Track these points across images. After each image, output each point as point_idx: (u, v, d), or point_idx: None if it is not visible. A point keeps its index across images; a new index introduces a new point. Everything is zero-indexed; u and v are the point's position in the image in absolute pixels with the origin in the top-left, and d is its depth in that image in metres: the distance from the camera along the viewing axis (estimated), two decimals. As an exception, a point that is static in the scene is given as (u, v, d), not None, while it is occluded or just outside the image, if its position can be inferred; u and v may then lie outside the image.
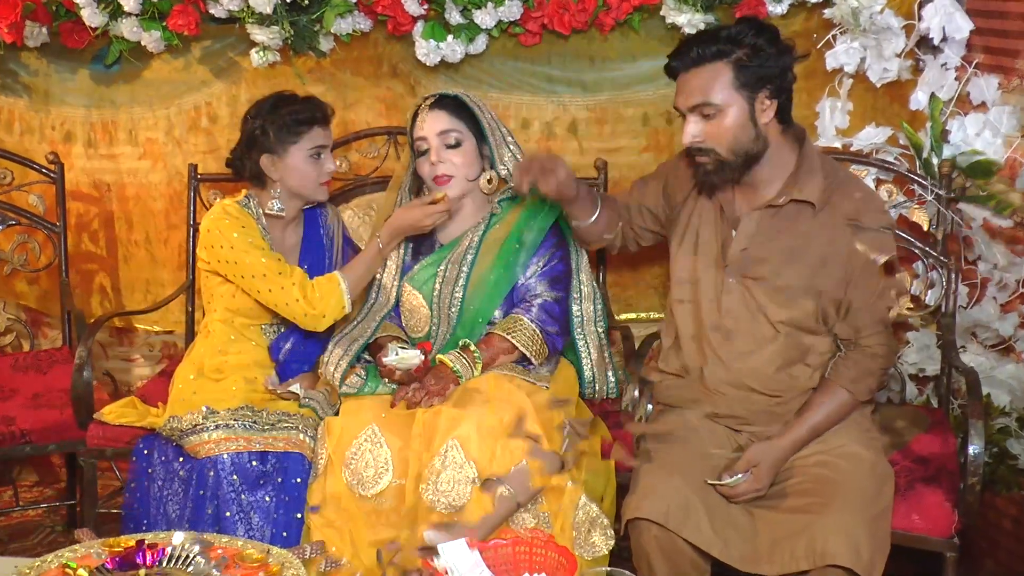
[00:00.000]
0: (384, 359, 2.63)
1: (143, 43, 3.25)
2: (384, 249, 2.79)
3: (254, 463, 2.58)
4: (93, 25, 3.21)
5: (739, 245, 2.44)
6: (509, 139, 2.83)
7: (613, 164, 3.13)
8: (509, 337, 2.66)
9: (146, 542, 2.03)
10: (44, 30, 3.32)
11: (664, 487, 2.27)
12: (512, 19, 3.04)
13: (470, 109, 2.76)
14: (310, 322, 2.73)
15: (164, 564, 2.00)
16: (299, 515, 2.58)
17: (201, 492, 2.58)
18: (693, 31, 2.90)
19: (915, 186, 2.85)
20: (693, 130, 2.38)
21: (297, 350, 2.85)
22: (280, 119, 2.76)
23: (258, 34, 3.13)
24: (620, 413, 2.58)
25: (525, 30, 3.08)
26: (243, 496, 2.57)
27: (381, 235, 2.78)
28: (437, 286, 2.77)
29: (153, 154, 3.48)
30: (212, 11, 3.16)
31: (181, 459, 2.65)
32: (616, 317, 3.13)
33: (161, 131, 3.45)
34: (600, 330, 2.84)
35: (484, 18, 3.02)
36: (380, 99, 3.30)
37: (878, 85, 2.87)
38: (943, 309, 2.81)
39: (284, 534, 2.56)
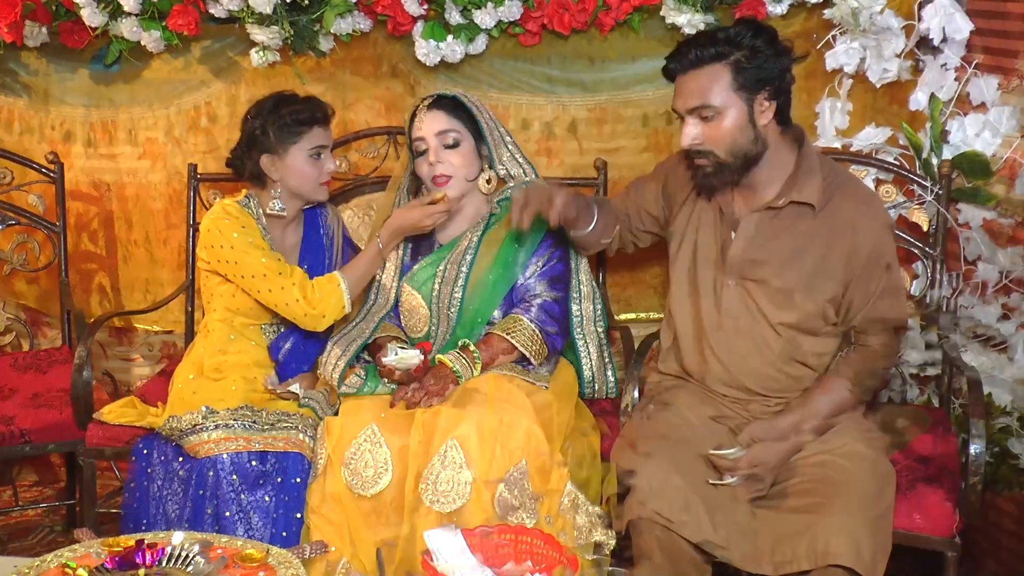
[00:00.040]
0: (383, 359, 2.63)
1: (143, 43, 3.25)
2: (384, 249, 2.79)
3: (254, 463, 2.58)
4: (93, 25, 3.20)
5: (738, 247, 2.44)
6: (507, 139, 2.83)
7: (613, 164, 3.13)
8: (508, 337, 2.66)
9: (145, 542, 2.03)
10: (44, 30, 3.31)
11: (665, 487, 2.27)
12: (512, 19, 3.04)
13: (468, 109, 2.76)
14: (310, 322, 2.73)
15: (163, 564, 2.00)
16: (299, 515, 2.58)
17: (201, 492, 2.58)
18: (693, 31, 2.90)
19: (915, 186, 2.85)
20: (692, 132, 2.37)
21: (297, 350, 2.85)
22: (280, 119, 2.76)
23: (258, 34, 3.13)
24: (620, 413, 2.57)
25: (525, 30, 3.08)
26: (243, 496, 2.57)
27: (381, 235, 2.78)
28: (436, 286, 2.77)
29: (153, 154, 3.47)
30: (212, 11, 3.16)
31: (181, 459, 2.65)
32: (616, 317, 3.13)
33: (161, 131, 3.45)
34: (600, 330, 2.84)
35: (484, 18, 3.02)
36: (380, 99, 3.30)
37: (878, 85, 2.87)
38: (944, 308, 2.81)
39: (284, 534, 2.56)
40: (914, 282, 2.87)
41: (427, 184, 2.78)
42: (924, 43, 2.83)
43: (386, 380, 2.67)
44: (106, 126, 3.48)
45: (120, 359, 3.66)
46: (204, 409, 2.63)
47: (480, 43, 3.11)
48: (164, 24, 3.20)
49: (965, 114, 2.82)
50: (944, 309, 2.81)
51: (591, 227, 2.64)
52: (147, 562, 1.99)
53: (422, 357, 2.61)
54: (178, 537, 2.06)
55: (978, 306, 2.84)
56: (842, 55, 2.85)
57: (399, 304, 2.84)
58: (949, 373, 2.84)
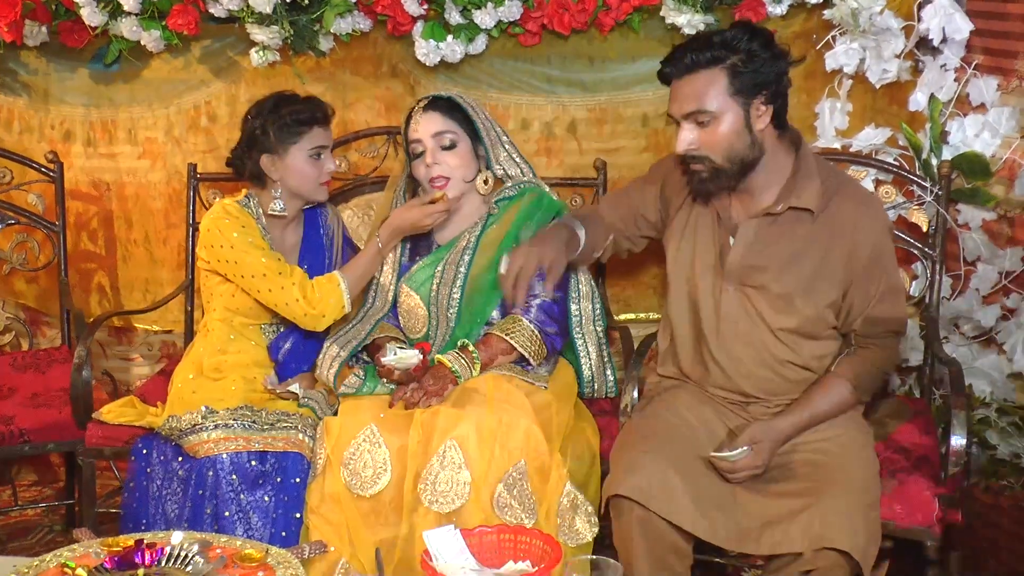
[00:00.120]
0: (382, 359, 2.63)
1: (143, 42, 3.25)
2: (383, 249, 2.79)
3: (253, 463, 2.58)
4: (93, 24, 3.21)
5: (737, 254, 2.42)
6: (504, 139, 2.83)
7: (612, 164, 3.13)
8: (507, 338, 2.66)
9: (145, 542, 2.02)
10: (44, 29, 3.32)
11: (645, 465, 2.26)
12: (512, 19, 3.04)
13: (464, 110, 2.76)
14: (310, 322, 2.73)
15: (163, 564, 2.00)
16: (298, 515, 2.58)
17: (200, 492, 2.58)
18: (693, 31, 2.90)
19: (914, 187, 2.85)
20: (687, 138, 2.34)
21: (296, 350, 2.85)
22: (280, 119, 2.76)
23: (258, 34, 3.13)
24: (619, 413, 2.57)
25: (525, 30, 3.08)
26: (242, 496, 2.57)
27: (380, 235, 2.78)
28: (434, 287, 2.76)
29: (152, 153, 3.48)
30: (212, 10, 3.16)
31: (180, 459, 2.65)
32: (615, 317, 3.13)
33: (160, 130, 3.45)
34: (599, 329, 2.84)
35: (484, 18, 3.02)
36: (380, 99, 3.30)
37: (877, 86, 2.87)
38: (926, 301, 2.83)
39: (283, 534, 2.56)
40: (913, 283, 2.87)
41: (424, 186, 2.78)
42: (924, 44, 2.83)
43: (385, 380, 2.67)
44: (106, 125, 3.48)
45: (119, 359, 3.66)
46: (204, 409, 2.63)
47: (480, 43, 3.11)
48: (164, 24, 3.20)
49: (965, 115, 2.82)
50: (928, 301, 2.81)
51: (579, 250, 2.58)
52: (146, 562, 1.99)
53: (421, 357, 2.61)
54: (177, 537, 2.06)
55: (977, 306, 2.85)
56: (842, 56, 2.85)
57: (397, 305, 2.84)
58: (931, 364, 2.85)
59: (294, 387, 2.74)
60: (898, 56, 2.82)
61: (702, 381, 2.51)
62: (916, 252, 2.85)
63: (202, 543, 2.05)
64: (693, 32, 2.90)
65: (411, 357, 2.60)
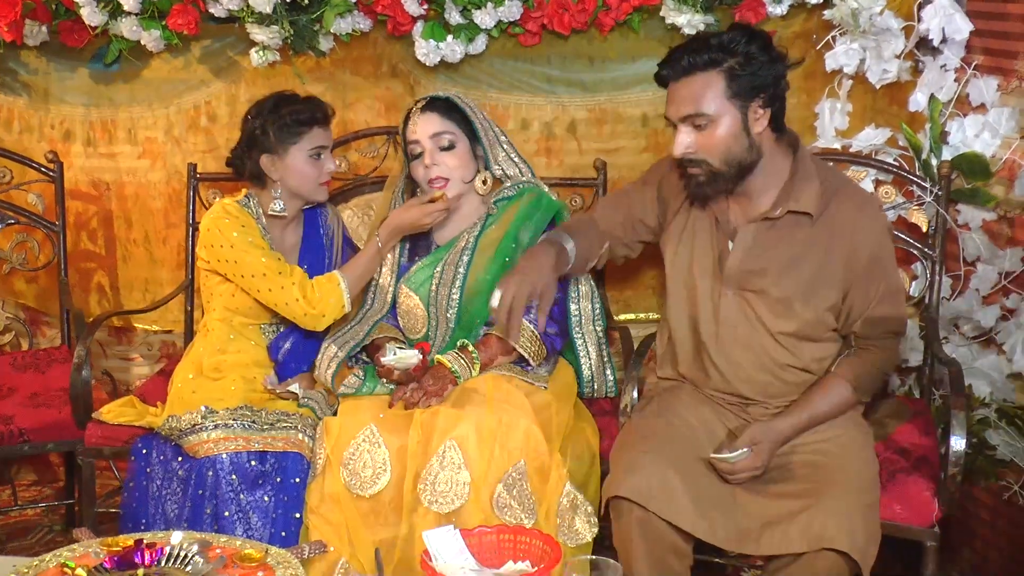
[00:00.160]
0: (382, 359, 2.63)
1: (143, 42, 3.25)
2: (383, 248, 2.79)
3: (253, 463, 2.58)
4: (93, 24, 3.21)
5: (736, 258, 2.41)
6: (502, 139, 2.83)
7: (612, 164, 3.13)
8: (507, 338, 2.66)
9: (144, 541, 2.02)
10: (44, 29, 3.32)
11: (645, 466, 2.25)
12: (512, 19, 3.04)
13: (462, 110, 2.76)
14: (310, 321, 2.73)
15: (162, 564, 2.00)
16: (297, 515, 2.58)
17: (200, 492, 2.58)
18: (693, 31, 2.90)
19: (914, 187, 2.85)
20: (684, 141, 2.32)
21: (296, 350, 2.85)
22: (280, 119, 2.76)
23: (258, 34, 3.12)
24: (619, 414, 2.57)
25: (525, 30, 3.08)
26: (242, 496, 2.57)
27: (380, 234, 2.78)
28: (433, 288, 2.76)
29: (152, 153, 3.48)
30: (212, 10, 3.16)
31: (180, 458, 2.65)
32: (615, 318, 3.13)
33: (160, 130, 3.45)
34: (598, 329, 2.84)
35: (484, 18, 3.02)
36: (380, 99, 3.30)
37: (877, 86, 2.87)
38: (926, 301, 2.82)
39: (283, 534, 2.56)
40: (913, 283, 2.87)
41: (423, 187, 2.77)
42: (924, 44, 2.82)
43: (385, 380, 2.67)
44: (106, 125, 3.48)
45: (119, 358, 3.66)
46: (203, 409, 2.63)
47: (480, 43, 3.11)
48: (164, 23, 3.20)
49: (964, 115, 2.82)
50: (928, 301, 2.81)
51: (569, 266, 2.55)
52: (146, 562, 1.99)
53: (421, 357, 2.61)
54: (177, 537, 2.06)
55: (977, 307, 2.85)
56: (842, 56, 2.85)
57: (397, 306, 2.84)
58: (931, 365, 2.85)
59: (294, 387, 2.74)
60: (898, 56, 2.82)
61: (701, 384, 2.51)
62: (916, 252, 2.85)
63: (202, 543, 2.04)
64: (693, 32, 2.89)
65: (411, 357, 2.60)
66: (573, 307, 2.80)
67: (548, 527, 2.44)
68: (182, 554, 2.01)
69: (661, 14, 2.96)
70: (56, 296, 3.43)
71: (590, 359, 2.81)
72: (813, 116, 2.98)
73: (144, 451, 2.70)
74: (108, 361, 3.64)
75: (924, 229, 2.82)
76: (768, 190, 2.39)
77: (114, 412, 2.83)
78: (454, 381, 2.62)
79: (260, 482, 2.58)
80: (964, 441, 2.34)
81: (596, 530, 2.51)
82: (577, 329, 2.81)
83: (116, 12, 3.19)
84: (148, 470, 2.68)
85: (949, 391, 2.47)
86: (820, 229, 2.36)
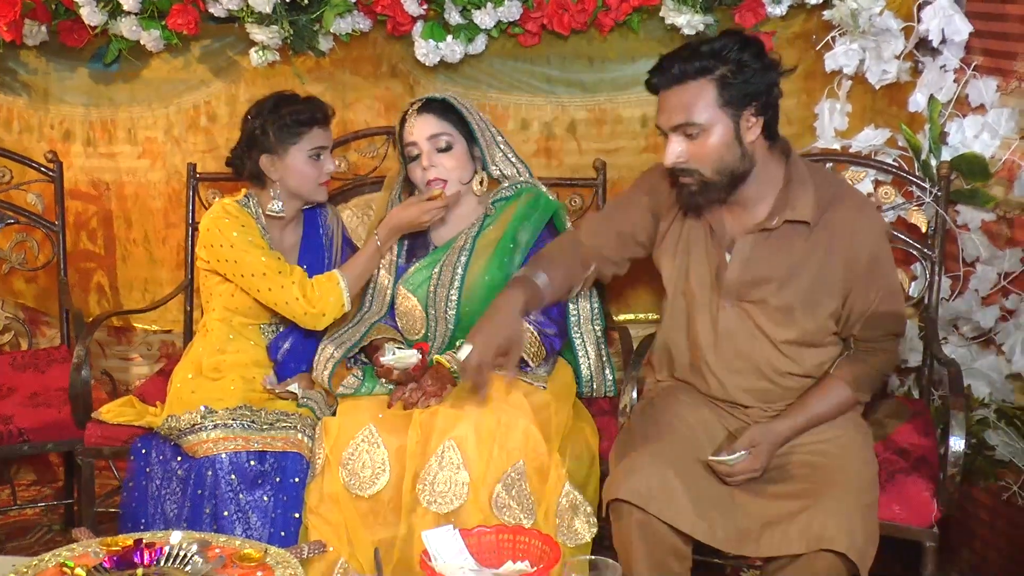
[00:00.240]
0: (381, 359, 2.63)
1: (142, 42, 3.25)
2: (382, 247, 2.79)
3: (252, 462, 2.58)
4: (92, 24, 3.21)
5: (734, 271, 2.38)
6: (499, 139, 2.83)
7: (612, 165, 3.13)
8: (507, 338, 2.66)
9: (144, 541, 2.02)
10: (43, 28, 3.31)
11: (645, 467, 2.25)
12: (511, 19, 3.04)
13: (458, 111, 2.75)
14: (310, 321, 2.74)
15: (162, 563, 2.00)
16: (297, 515, 2.58)
17: (199, 491, 2.58)
18: (693, 32, 2.90)
19: (913, 188, 2.85)
20: (676, 150, 2.28)
21: (296, 350, 2.85)
22: (280, 119, 2.76)
23: (257, 33, 3.12)
24: (618, 414, 2.57)
25: (524, 30, 3.08)
26: (241, 495, 2.57)
27: (379, 233, 2.78)
28: (432, 289, 2.76)
29: (152, 153, 3.48)
30: (211, 10, 3.16)
31: (179, 458, 2.65)
32: (614, 318, 3.13)
33: (160, 130, 3.45)
34: (597, 328, 2.84)
35: (483, 18, 3.02)
36: (379, 99, 3.30)
37: (877, 87, 2.87)
38: (925, 302, 2.82)
39: (282, 533, 2.56)
40: (912, 284, 2.87)
41: (421, 189, 2.77)
42: (923, 45, 2.82)
43: (384, 380, 2.67)
44: (105, 125, 3.48)
45: (119, 358, 3.66)
46: (203, 409, 2.64)
47: (480, 43, 3.11)
48: (163, 23, 3.20)
49: (964, 116, 2.82)
50: (927, 302, 2.81)
51: (544, 301, 2.53)
52: (145, 562, 1.99)
53: (420, 357, 2.61)
54: (176, 537, 2.06)
55: (977, 307, 2.85)
56: (841, 56, 2.85)
57: (395, 307, 2.84)
58: (930, 365, 2.85)
59: (293, 387, 2.74)
60: (898, 57, 2.82)
61: (699, 392, 2.50)
62: (915, 253, 2.85)
63: (201, 543, 2.04)
64: (693, 33, 2.89)
65: (410, 357, 2.61)
66: (572, 307, 2.80)
67: (547, 527, 2.44)
68: (181, 554, 2.02)
69: (661, 14, 2.96)
70: (56, 296, 3.43)
71: (589, 359, 2.81)
72: (813, 116, 2.98)
73: (143, 451, 2.70)
74: (107, 361, 3.64)
75: (923, 230, 2.81)
76: (763, 199, 2.36)
77: (113, 412, 2.83)
78: (453, 381, 2.62)
79: (259, 482, 2.58)
80: (963, 441, 2.35)
81: (595, 530, 2.51)
82: (576, 329, 2.81)
83: (116, 12, 3.19)
84: (147, 470, 2.68)
85: (948, 392, 2.47)
86: (818, 235, 2.34)
